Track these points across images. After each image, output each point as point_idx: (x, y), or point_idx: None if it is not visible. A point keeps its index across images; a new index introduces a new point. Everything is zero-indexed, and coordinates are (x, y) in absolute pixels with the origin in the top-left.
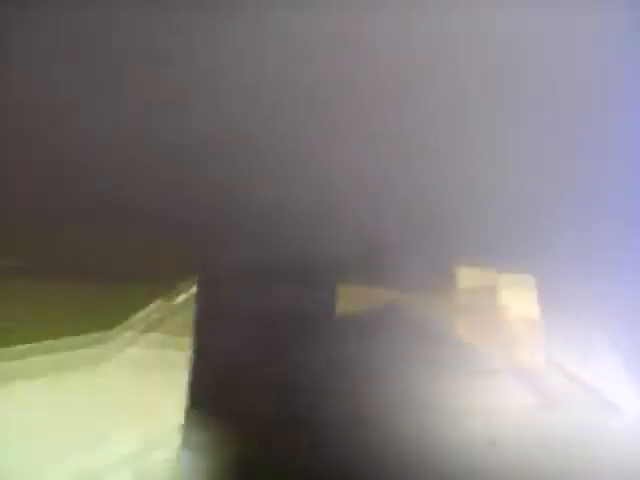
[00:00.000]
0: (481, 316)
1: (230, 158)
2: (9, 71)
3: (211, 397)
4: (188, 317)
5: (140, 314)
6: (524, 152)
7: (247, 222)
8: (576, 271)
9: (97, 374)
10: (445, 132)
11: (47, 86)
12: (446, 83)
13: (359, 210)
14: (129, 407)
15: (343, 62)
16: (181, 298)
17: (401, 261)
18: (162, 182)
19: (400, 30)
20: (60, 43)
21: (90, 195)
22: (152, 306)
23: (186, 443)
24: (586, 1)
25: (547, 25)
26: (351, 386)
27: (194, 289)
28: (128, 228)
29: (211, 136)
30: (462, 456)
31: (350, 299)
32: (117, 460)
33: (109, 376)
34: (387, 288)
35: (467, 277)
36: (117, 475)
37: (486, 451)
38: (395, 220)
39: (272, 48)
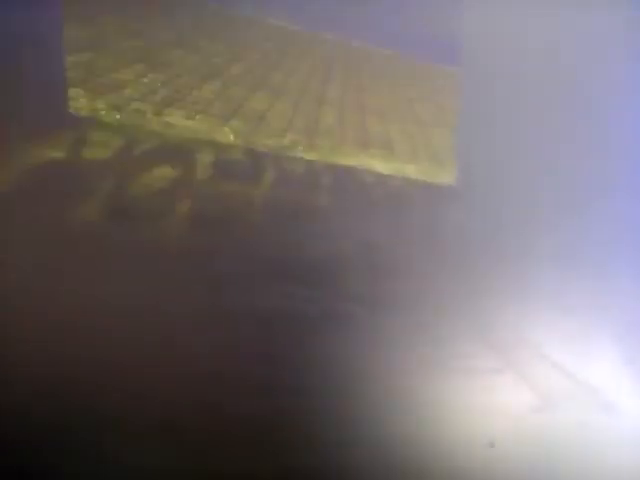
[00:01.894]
0: None
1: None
2: None
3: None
4: None
5: None
6: (521, 151)
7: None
8: (575, 270)
9: None
10: None
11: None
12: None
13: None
14: None
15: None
16: None
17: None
18: None
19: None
20: None
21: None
22: None
23: None
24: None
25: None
26: (349, 386)
27: None
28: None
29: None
30: (461, 457)
31: None
32: None
33: None
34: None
35: None
36: None
37: (485, 452)
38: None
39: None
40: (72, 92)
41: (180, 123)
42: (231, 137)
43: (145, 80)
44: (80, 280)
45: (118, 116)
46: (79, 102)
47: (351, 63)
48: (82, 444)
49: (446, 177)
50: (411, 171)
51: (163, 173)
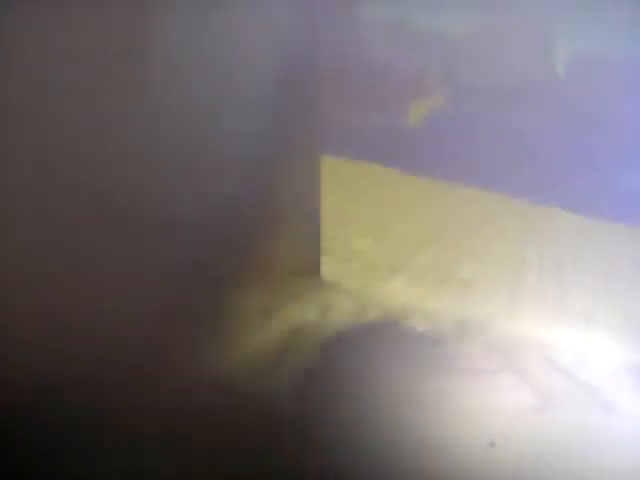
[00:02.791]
0: None
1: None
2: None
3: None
4: None
5: None
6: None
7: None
8: (576, 270)
9: None
10: None
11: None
12: None
13: None
14: None
15: None
16: None
17: None
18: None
19: None
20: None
21: (88, 195)
22: None
23: None
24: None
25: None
26: (349, 386)
27: None
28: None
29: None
30: (461, 457)
31: None
32: None
33: None
34: None
35: None
36: None
37: (485, 452)
38: None
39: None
40: (324, 259)
41: (401, 291)
42: (441, 304)
43: (373, 249)
44: None
45: (355, 283)
46: (329, 268)
47: (546, 227)
48: (82, 444)
49: None
50: (611, 349)
51: None
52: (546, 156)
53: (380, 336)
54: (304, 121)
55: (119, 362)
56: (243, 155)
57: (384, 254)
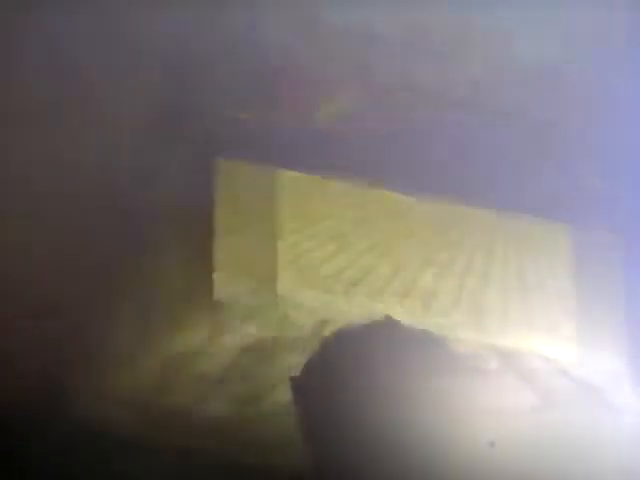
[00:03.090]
0: None
1: None
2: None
3: None
4: None
5: None
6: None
7: None
8: (576, 270)
9: None
10: None
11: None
12: None
13: None
14: None
15: None
16: None
17: None
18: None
19: None
20: None
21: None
22: None
23: None
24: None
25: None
26: (348, 386)
27: None
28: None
29: None
30: (461, 457)
31: None
32: None
33: None
34: None
35: None
36: None
37: (485, 452)
38: None
39: None
40: (280, 272)
41: (363, 303)
42: (405, 316)
43: (335, 260)
44: None
45: (315, 295)
46: (284, 283)
47: (511, 236)
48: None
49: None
50: (576, 357)
51: None
52: (507, 162)
53: (380, 335)
54: (199, 122)
55: None
56: (123, 160)
57: (345, 265)
